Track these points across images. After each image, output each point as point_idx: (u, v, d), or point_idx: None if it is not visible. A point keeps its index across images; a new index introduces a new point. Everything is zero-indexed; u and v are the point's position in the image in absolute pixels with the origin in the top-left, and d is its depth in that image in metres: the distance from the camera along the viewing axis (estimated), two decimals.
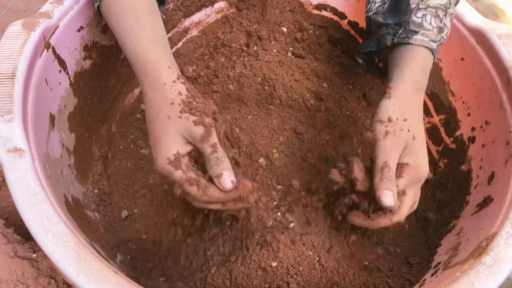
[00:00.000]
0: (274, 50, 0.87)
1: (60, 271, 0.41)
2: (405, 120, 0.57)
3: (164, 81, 0.54)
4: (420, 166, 0.56)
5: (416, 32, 0.62)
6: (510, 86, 0.62)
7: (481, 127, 0.68)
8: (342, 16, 0.86)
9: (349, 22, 0.86)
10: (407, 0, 0.64)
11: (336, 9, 0.86)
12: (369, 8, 0.71)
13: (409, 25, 0.63)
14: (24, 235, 0.70)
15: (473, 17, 0.69)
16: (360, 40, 0.86)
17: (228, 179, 0.51)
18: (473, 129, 0.70)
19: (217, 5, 0.87)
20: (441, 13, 0.63)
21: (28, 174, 0.45)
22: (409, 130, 0.56)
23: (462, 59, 0.71)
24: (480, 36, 0.68)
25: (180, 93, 0.53)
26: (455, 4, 0.65)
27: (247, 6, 0.87)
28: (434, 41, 0.62)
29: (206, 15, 0.87)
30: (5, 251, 0.63)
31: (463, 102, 0.72)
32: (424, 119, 0.81)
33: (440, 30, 0.62)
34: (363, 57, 0.73)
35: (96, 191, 0.70)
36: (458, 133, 0.73)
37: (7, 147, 0.46)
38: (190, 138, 0.52)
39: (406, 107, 0.58)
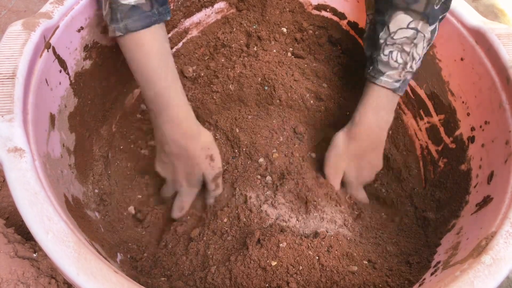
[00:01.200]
0: (274, 51, 0.87)
1: (60, 270, 0.41)
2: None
3: (188, 129, 0.67)
4: (352, 192, 0.79)
5: (382, 73, 0.68)
6: (509, 85, 0.62)
7: (480, 126, 0.68)
8: (342, 16, 0.86)
9: (349, 23, 0.86)
10: (378, 36, 0.68)
11: (336, 9, 0.86)
12: (365, 28, 0.75)
13: (378, 64, 0.69)
14: (25, 235, 0.70)
15: (472, 17, 0.69)
16: (360, 41, 0.86)
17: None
18: (472, 128, 0.70)
19: (217, 6, 0.87)
20: (407, 47, 0.66)
21: (28, 173, 0.45)
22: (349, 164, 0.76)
23: (462, 59, 0.71)
24: (479, 36, 0.68)
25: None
26: (434, 20, 0.65)
27: (247, 6, 0.87)
28: (397, 81, 0.68)
29: (206, 16, 0.87)
30: (5, 251, 0.63)
31: (463, 102, 0.72)
32: (423, 119, 0.81)
33: (405, 66, 0.67)
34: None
35: (96, 191, 0.71)
36: (457, 132, 0.73)
37: (7, 147, 0.46)
38: (202, 174, 0.71)
39: (351, 143, 0.74)
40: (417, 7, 0.63)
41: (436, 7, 0.63)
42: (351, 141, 0.73)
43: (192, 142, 0.68)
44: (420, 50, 0.66)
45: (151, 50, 0.61)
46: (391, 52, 0.67)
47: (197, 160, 0.69)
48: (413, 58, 0.67)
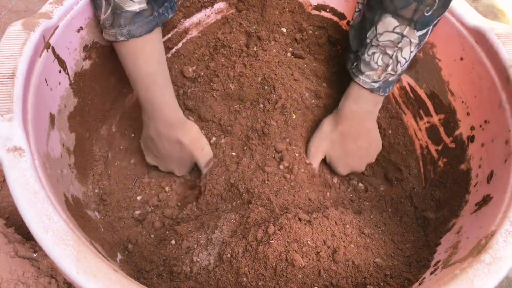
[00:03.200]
0: (274, 51, 0.87)
1: (60, 269, 0.41)
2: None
3: (177, 125, 0.73)
4: (337, 170, 0.83)
5: (362, 73, 0.71)
6: (509, 85, 0.62)
7: (480, 126, 0.68)
8: (341, 16, 0.86)
9: (349, 23, 0.86)
10: (366, 33, 0.69)
11: (335, 9, 0.86)
12: (353, 16, 0.76)
13: (360, 62, 0.71)
14: (25, 235, 0.70)
15: (472, 17, 0.69)
16: None
17: None
18: (472, 128, 0.70)
19: (216, 6, 0.87)
20: (390, 51, 0.67)
21: (28, 173, 0.45)
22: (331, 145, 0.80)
23: (462, 59, 0.71)
24: (479, 35, 0.68)
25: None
26: (424, 26, 0.64)
27: (247, 6, 0.87)
28: (375, 82, 0.70)
29: (205, 16, 0.87)
30: (5, 250, 0.63)
31: (463, 102, 0.72)
32: (423, 119, 0.81)
33: (385, 68, 0.68)
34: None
35: (96, 190, 0.71)
36: (457, 132, 0.73)
37: (7, 147, 0.46)
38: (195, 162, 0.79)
39: (334, 129, 0.79)
40: (405, 13, 0.63)
41: (426, 14, 0.62)
42: (334, 125, 0.78)
43: (184, 136, 0.75)
44: (406, 54, 0.67)
45: (152, 55, 0.64)
46: (374, 53, 0.68)
47: (190, 150, 0.76)
48: (398, 61, 0.67)
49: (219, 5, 0.87)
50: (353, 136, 0.78)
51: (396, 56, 0.67)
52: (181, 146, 0.75)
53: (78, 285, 0.40)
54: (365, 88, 0.71)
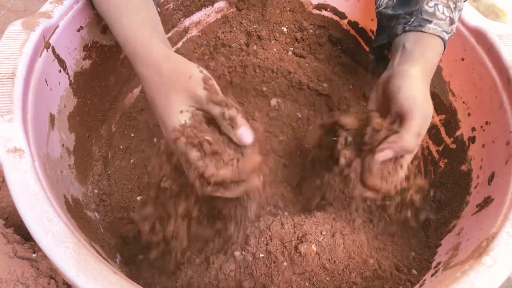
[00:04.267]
0: (274, 50, 0.87)
1: (60, 271, 0.41)
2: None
3: (156, 57, 0.53)
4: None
5: (429, 21, 0.61)
6: (510, 86, 0.62)
7: (481, 127, 0.68)
8: (342, 16, 0.86)
9: (349, 22, 0.86)
10: None
11: (336, 9, 0.86)
12: (379, 3, 0.71)
13: (422, 14, 0.61)
14: (24, 235, 0.70)
15: (473, 17, 0.69)
16: (361, 40, 0.86)
17: (246, 132, 0.49)
18: (473, 129, 0.70)
19: (217, 5, 0.87)
20: (451, 4, 0.62)
21: (28, 174, 0.45)
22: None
23: (463, 59, 0.71)
24: (480, 36, 0.67)
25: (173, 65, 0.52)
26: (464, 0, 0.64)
27: (247, 5, 0.87)
28: (446, 32, 0.61)
29: (206, 15, 0.87)
30: (5, 251, 0.63)
31: (463, 102, 0.72)
32: None
33: (451, 21, 0.61)
34: (373, 52, 0.74)
35: (96, 191, 0.70)
36: (458, 133, 0.73)
37: (7, 147, 0.46)
38: (196, 103, 0.51)
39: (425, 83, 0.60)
40: None
41: None
42: (424, 84, 0.60)
43: (161, 68, 0.54)
44: (456, 17, 0.62)
45: None
46: (436, 4, 0.61)
47: (170, 82, 0.52)
48: (455, 19, 0.62)
49: (220, 4, 0.87)
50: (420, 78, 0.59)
51: (454, 15, 0.62)
52: (165, 81, 0.52)
53: None
54: (436, 36, 0.60)
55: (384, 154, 0.56)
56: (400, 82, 0.58)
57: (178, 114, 0.50)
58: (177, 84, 0.51)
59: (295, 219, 0.61)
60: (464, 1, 0.64)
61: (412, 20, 0.62)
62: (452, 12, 0.62)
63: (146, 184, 0.79)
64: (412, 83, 0.57)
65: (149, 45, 0.54)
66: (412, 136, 0.55)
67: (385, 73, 0.63)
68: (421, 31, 0.61)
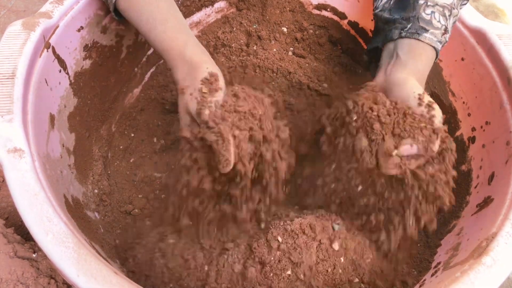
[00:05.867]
0: (274, 50, 0.87)
1: (60, 271, 0.41)
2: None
3: (191, 62, 0.57)
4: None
5: (426, 30, 0.61)
6: (510, 86, 0.62)
7: (481, 127, 0.68)
8: (342, 16, 0.86)
9: (349, 22, 0.86)
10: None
11: (336, 9, 0.86)
12: (376, 5, 0.71)
13: (419, 21, 0.62)
14: (24, 235, 0.70)
15: (473, 17, 0.69)
16: (360, 40, 0.86)
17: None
18: (473, 129, 0.70)
19: (217, 5, 0.87)
20: (447, 12, 0.62)
21: (28, 174, 0.45)
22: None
23: (463, 59, 0.71)
24: (480, 36, 0.67)
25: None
26: (461, 6, 0.65)
27: (247, 6, 0.87)
28: (440, 42, 0.62)
29: (206, 15, 0.87)
30: (5, 251, 0.63)
31: (463, 102, 0.72)
32: None
33: (445, 30, 0.62)
34: (368, 54, 0.74)
35: (96, 191, 0.70)
36: (458, 133, 0.73)
37: (7, 147, 0.46)
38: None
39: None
40: None
41: None
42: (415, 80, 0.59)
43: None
44: (450, 25, 0.62)
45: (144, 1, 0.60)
46: (433, 12, 0.61)
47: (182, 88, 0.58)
48: (449, 30, 0.62)
49: (220, 4, 0.87)
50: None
51: (448, 23, 0.62)
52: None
53: None
54: (431, 46, 0.61)
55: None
56: (398, 93, 0.57)
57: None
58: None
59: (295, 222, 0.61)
60: (461, 7, 0.64)
61: (409, 26, 0.62)
62: (447, 21, 0.62)
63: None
64: (409, 93, 0.56)
65: (184, 53, 0.58)
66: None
67: (376, 80, 0.62)
68: (417, 39, 0.61)
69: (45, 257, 0.66)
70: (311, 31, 0.88)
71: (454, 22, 0.64)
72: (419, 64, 0.60)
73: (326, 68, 0.87)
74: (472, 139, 0.70)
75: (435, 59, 0.63)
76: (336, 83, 0.87)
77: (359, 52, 0.87)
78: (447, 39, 0.63)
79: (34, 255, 0.66)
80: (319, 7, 0.87)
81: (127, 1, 0.61)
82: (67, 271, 0.40)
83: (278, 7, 0.86)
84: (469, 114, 0.71)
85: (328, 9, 0.87)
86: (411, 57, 0.61)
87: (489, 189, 0.61)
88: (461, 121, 0.73)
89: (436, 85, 0.77)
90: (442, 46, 0.62)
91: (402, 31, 0.63)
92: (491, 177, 0.62)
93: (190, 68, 0.57)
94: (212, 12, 0.87)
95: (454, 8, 0.63)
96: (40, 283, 0.62)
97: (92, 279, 0.40)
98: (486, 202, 0.59)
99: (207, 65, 0.57)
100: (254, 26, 0.87)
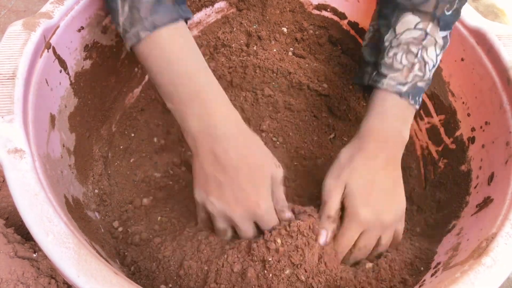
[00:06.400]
0: (274, 50, 0.87)
1: (60, 272, 0.41)
2: (350, 164, 0.59)
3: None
4: (355, 210, 0.57)
5: (385, 76, 0.62)
6: (510, 86, 0.62)
7: (481, 127, 0.68)
8: (342, 16, 0.86)
9: (349, 23, 0.86)
10: (383, 39, 0.63)
11: (336, 9, 0.86)
12: (364, 37, 0.71)
13: (381, 67, 0.62)
14: (24, 235, 0.70)
15: (473, 17, 0.69)
16: (360, 40, 0.86)
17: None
18: (473, 129, 0.70)
19: (217, 5, 0.87)
20: (414, 48, 0.60)
21: (28, 174, 0.45)
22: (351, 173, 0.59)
23: (462, 60, 0.71)
24: (480, 36, 0.68)
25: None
26: (446, 27, 0.62)
27: (247, 6, 0.87)
28: (402, 84, 0.60)
29: (206, 15, 0.87)
30: (5, 251, 0.63)
31: (463, 103, 0.72)
32: (424, 119, 0.81)
33: (411, 67, 0.60)
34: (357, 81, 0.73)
35: (96, 191, 0.70)
36: (458, 133, 0.73)
37: (7, 148, 0.46)
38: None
39: (356, 154, 0.60)
40: (426, 8, 0.59)
41: (447, 13, 0.59)
42: (355, 153, 0.60)
43: (253, 145, 0.57)
44: (432, 55, 0.61)
45: (187, 43, 0.56)
46: (395, 54, 0.61)
47: (264, 164, 0.57)
48: (425, 62, 0.61)
49: (220, 5, 0.87)
50: (380, 165, 0.59)
51: (422, 56, 0.60)
52: (251, 157, 0.55)
53: None
54: (391, 92, 0.60)
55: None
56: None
57: (269, 195, 0.57)
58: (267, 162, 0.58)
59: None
60: (445, 29, 0.61)
61: (375, 73, 0.63)
62: (415, 56, 0.60)
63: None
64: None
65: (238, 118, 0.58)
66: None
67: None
68: (376, 88, 0.62)
69: (45, 257, 0.66)
70: (311, 31, 0.88)
71: (443, 50, 0.62)
72: (376, 121, 0.61)
73: (326, 68, 0.87)
74: (472, 139, 0.70)
75: (410, 100, 0.61)
76: (336, 83, 0.87)
77: (360, 52, 0.87)
78: (424, 73, 0.61)
79: (34, 255, 0.66)
80: (319, 7, 0.87)
81: (152, 48, 0.55)
82: (68, 271, 0.40)
83: (278, 7, 0.86)
84: (468, 114, 0.71)
85: (328, 9, 0.87)
86: (376, 112, 0.62)
87: (488, 189, 0.61)
88: (460, 121, 0.73)
89: (436, 85, 0.77)
90: (414, 84, 0.61)
91: (370, 78, 0.64)
92: (491, 177, 0.62)
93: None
94: (212, 12, 0.87)
95: (424, 39, 0.60)
96: (41, 283, 0.63)
97: (92, 279, 0.40)
98: (486, 202, 0.59)
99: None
100: (254, 26, 0.87)
